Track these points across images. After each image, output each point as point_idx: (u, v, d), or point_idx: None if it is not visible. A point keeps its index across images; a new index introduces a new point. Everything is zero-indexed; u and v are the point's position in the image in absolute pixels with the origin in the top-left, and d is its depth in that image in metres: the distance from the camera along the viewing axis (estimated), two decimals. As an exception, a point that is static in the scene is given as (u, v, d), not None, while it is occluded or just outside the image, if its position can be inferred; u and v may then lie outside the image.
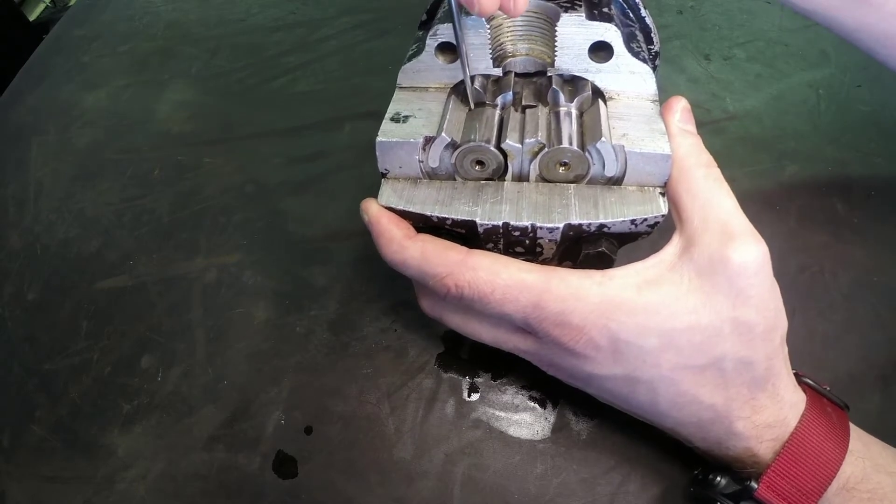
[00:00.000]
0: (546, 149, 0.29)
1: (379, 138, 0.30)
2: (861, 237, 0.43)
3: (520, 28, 0.32)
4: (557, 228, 0.28)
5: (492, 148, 0.29)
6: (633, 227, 0.28)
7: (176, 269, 0.45)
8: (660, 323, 0.27)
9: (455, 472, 0.35)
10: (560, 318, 0.28)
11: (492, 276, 0.28)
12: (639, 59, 0.30)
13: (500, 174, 0.30)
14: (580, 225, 0.28)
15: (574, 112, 0.30)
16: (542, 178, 0.30)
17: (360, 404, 0.38)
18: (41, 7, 1.89)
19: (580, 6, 0.30)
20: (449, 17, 0.29)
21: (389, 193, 0.30)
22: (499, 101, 0.31)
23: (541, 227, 0.28)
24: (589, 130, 0.29)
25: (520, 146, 0.29)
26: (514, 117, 0.30)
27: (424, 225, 0.30)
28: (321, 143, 0.53)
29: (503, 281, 0.28)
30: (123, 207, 0.50)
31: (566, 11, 0.29)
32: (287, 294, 0.43)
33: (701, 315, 0.27)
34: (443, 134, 0.29)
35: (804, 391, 0.30)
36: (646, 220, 0.28)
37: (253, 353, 0.41)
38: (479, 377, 0.39)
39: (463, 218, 0.29)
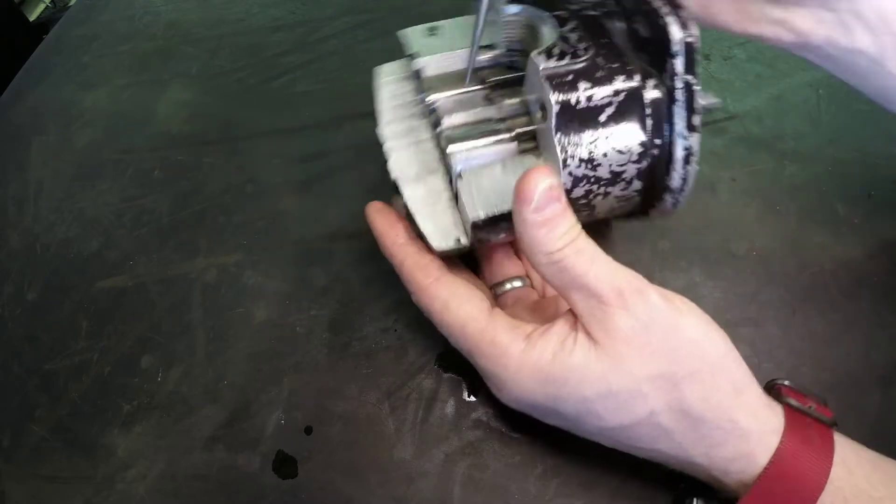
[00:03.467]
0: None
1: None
2: (861, 237, 0.43)
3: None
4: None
5: None
6: None
7: (176, 269, 0.45)
8: (571, 392, 0.27)
9: (455, 472, 0.35)
10: (488, 371, 0.30)
11: (442, 313, 0.31)
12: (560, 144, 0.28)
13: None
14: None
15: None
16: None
17: (360, 404, 0.38)
18: (41, 7, 1.89)
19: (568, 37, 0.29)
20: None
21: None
22: None
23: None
24: None
25: None
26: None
27: None
28: (321, 143, 0.53)
29: (449, 321, 0.30)
30: (123, 207, 0.50)
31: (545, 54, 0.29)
32: (287, 294, 0.43)
33: (611, 381, 0.27)
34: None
35: (785, 412, 0.28)
36: None
37: (253, 353, 0.41)
38: (479, 377, 0.39)
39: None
